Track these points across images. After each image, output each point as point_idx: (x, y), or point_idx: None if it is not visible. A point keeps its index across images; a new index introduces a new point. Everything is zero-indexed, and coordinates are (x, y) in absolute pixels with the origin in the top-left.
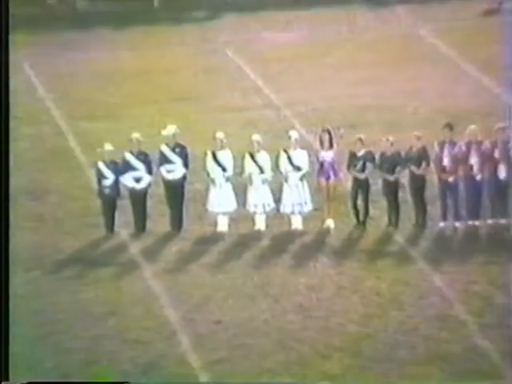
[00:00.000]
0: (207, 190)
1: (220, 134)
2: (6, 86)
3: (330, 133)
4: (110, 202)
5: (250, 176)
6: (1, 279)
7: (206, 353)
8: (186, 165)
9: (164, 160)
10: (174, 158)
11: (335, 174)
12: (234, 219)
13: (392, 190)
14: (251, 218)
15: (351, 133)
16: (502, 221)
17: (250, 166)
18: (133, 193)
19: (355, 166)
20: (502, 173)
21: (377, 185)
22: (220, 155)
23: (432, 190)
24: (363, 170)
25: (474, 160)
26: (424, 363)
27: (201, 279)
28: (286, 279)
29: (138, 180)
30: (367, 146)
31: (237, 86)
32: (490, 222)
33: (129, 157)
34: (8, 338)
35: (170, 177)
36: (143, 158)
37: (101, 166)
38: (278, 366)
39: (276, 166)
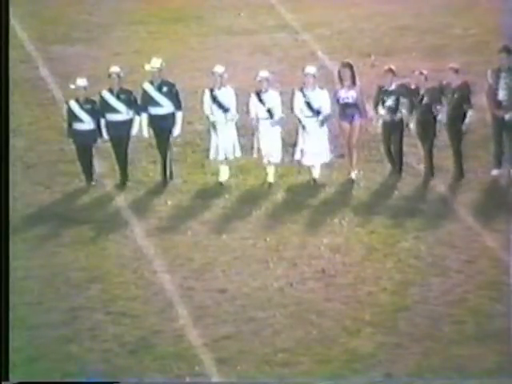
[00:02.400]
0: (209, 132)
1: (219, 69)
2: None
3: (351, 68)
4: (85, 149)
5: (256, 120)
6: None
7: (208, 328)
8: (177, 106)
9: (148, 101)
10: (161, 100)
11: (361, 114)
12: (241, 169)
13: (429, 131)
14: (263, 168)
15: (385, 61)
16: None
17: (256, 108)
18: (114, 139)
19: (384, 103)
20: None
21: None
22: (220, 94)
23: (484, 130)
24: (396, 107)
25: None
26: (473, 342)
27: (202, 239)
28: (304, 239)
29: (119, 123)
30: (403, 79)
31: (244, 3)
32: None
33: (107, 96)
34: (8, 338)
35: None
36: (125, 97)
37: (73, 105)
38: (296, 344)
39: (290, 110)
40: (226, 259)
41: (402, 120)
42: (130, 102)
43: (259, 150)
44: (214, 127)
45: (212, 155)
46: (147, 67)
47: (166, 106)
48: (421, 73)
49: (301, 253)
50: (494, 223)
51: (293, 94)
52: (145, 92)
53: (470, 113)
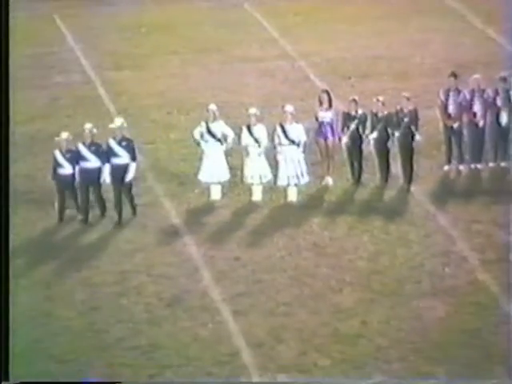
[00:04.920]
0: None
1: (212, 107)
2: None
3: (328, 93)
4: (63, 191)
5: (246, 148)
6: (1, 276)
7: (226, 287)
8: (133, 158)
9: (111, 153)
10: (120, 152)
11: (333, 135)
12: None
13: (385, 146)
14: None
15: (362, 82)
16: (503, 164)
17: (246, 139)
18: (84, 182)
19: (349, 126)
20: (504, 119)
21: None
22: (213, 126)
23: (437, 136)
24: (357, 130)
25: (477, 107)
26: (429, 297)
27: (224, 219)
28: (301, 219)
29: (89, 170)
30: (377, 95)
31: (255, 38)
32: (491, 165)
33: (81, 147)
34: (8, 338)
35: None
36: (95, 148)
37: (57, 154)
38: (293, 299)
39: (271, 140)
40: (240, 234)
41: (361, 139)
42: (99, 153)
43: (247, 172)
44: (204, 152)
45: (202, 176)
46: (111, 125)
47: (124, 157)
48: (378, 100)
49: (297, 230)
50: (446, 207)
51: (274, 129)
52: (108, 145)
53: (417, 137)
